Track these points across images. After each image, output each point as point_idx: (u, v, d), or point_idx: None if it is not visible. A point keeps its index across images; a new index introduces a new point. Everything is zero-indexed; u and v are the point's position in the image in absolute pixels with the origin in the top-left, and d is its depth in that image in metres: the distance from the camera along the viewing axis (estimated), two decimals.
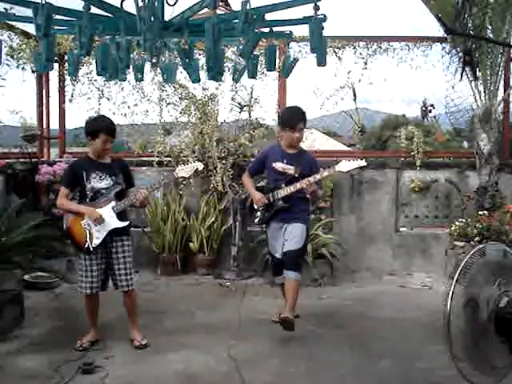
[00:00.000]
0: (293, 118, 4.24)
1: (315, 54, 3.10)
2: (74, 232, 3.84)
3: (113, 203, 3.83)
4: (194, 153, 6.20)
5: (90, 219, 3.76)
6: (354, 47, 6.45)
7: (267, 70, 3.67)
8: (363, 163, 4.19)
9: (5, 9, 3.40)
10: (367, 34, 6.57)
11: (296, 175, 4.16)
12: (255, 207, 4.39)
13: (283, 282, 4.30)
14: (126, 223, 3.90)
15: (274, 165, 4.26)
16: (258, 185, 4.69)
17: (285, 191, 4.19)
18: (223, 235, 6.21)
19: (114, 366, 3.57)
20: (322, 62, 3.10)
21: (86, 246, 3.77)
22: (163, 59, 3.48)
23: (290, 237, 4.18)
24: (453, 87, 6.20)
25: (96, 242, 3.78)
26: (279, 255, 4.25)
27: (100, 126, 3.85)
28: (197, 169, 4.07)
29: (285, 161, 4.24)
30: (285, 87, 6.51)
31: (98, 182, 3.84)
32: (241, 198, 6.07)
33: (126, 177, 4.01)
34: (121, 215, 3.87)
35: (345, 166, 4.15)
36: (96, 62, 3.34)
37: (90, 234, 3.78)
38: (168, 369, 3.57)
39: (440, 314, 2.64)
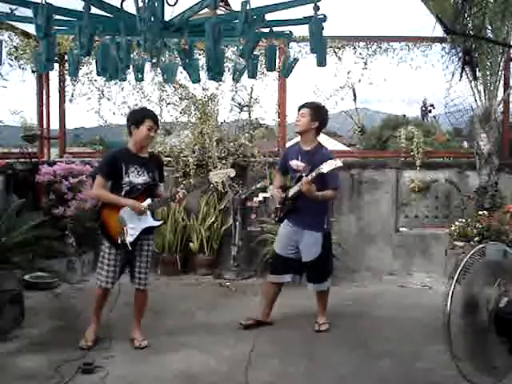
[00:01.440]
0: (302, 104, 4.27)
1: (315, 54, 3.10)
2: (108, 225, 3.78)
3: (148, 200, 3.79)
4: (194, 153, 6.20)
5: (133, 211, 3.71)
6: (354, 47, 6.45)
7: (267, 70, 3.67)
8: (339, 163, 3.95)
9: (10, 9, 3.39)
10: (367, 34, 6.58)
11: (304, 174, 4.08)
12: (277, 206, 4.39)
13: (277, 281, 4.37)
14: (159, 222, 3.91)
15: (290, 162, 4.26)
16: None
17: (292, 191, 4.16)
18: (223, 235, 6.21)
19: (113, 366, 3.57)
20: (322, 62, 3.10)
21: (120, 241, 3.72)
22: (163, 59, 3.48)
23: (305, 248, 4.21)
24: (452, 87, 6.20)
25: (130, 239, 3.73)
26: (289, 255, 4.26)
27: (146, 114, 3.88)
28: (229, 175, 4.09)
29: (299, 158, 4.21)
30: (285, 87, 6.51)
31: (136, 176, 3.80)
32: (241, 198, 6.08)
33: (160, 173, 4.01)
34: (152, 214, 3.86)
35: (325, 167, 3.91)
36: (96, 62, 3.35)
37: (125, 230, 3.73)
38: (168, 369, 3.57)
39: (440, 313, 2.65)
